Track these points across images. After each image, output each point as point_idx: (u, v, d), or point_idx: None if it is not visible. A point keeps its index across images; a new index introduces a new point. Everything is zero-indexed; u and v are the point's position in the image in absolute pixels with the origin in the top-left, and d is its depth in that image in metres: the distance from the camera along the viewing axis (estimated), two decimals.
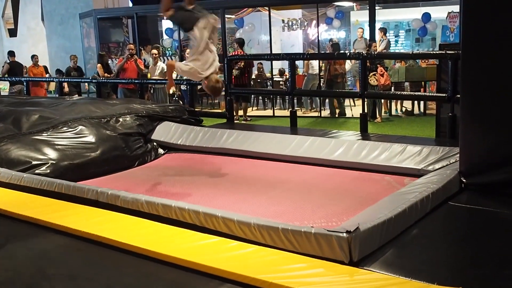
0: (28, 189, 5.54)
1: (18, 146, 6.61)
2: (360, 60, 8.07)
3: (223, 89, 6.08)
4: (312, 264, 3.51)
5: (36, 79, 15.94)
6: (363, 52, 10.34)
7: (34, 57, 15.37)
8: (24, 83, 13.23)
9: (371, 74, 11.70)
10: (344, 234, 3.48)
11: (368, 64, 11.42)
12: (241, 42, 12.99)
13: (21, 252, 4.07)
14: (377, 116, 12.07)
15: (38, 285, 3.44)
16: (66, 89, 14.37)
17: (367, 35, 14.38)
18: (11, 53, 16.28)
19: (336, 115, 12.95)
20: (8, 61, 16.07)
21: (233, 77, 11.22)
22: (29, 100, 10.02)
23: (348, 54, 10.46)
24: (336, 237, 3.51)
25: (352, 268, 3.44)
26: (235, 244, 3.88)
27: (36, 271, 3.61)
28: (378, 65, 11.91)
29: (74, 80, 15.91)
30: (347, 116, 12.82)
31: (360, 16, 17.07)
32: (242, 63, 11.95)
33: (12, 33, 26.28)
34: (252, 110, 14.18)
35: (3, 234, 4.53)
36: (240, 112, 12.56)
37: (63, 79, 14.12)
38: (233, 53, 13.15)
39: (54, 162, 6.43)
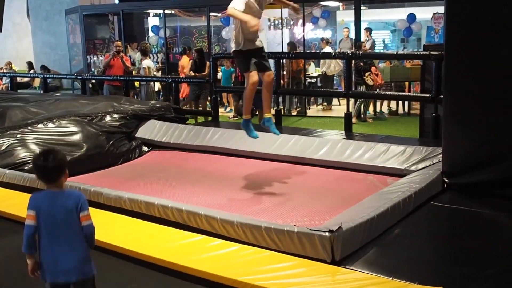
0: (10, 186, 5.52)
1: (4, 142, 6.61)
2: (345, 60, 8.08)
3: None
4: (295, 264, 3.52)
5: (18, 75, 15.88)
6: (348, 51, 10.36)
7: None
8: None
9: (366, 74, 11.72)
10: (327, 234, 3.50)
11: (361, 64, 11.47)
12: None
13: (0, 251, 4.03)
14: (362, 115, 12.09)
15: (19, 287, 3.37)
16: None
17: (352, 35, 14.42)
18: None
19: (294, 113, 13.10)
20: None
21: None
22: (13, 95, 9.98)
23: (333, 53, 10.49)
24: (318, 236, 3.52)
25: (334, 267, 3.46)
26: (218, 242, 3.89)
27: (16, 271, 3.52)
28: (371, 65, 11.91)
29: (58, 76, 15.85)
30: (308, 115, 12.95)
31: (346, 16, 17.10)
32: None
33: None
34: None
35: None
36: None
37: (47, 75, 14.03)
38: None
39: None
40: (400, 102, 13.01)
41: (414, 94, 10.98)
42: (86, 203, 2.83)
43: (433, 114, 6.95)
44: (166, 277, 3.56)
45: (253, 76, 5.51)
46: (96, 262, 3.70)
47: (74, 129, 7.16)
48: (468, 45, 4.77)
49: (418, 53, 10.50)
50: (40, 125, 7.06)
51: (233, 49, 5.60)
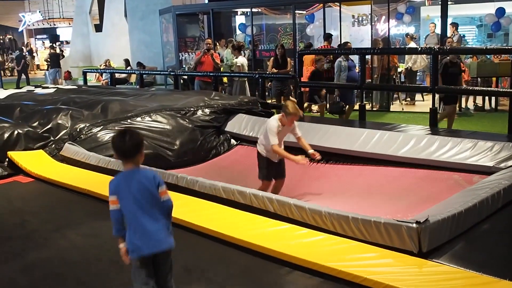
0: (114, 172, 5.90)
1: (106, 133, 7.11)
2: (431, 55, 8.00)
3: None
4: (381, 254, 3.58)
5: (117, 71, 16.84)
6: (435, 46, 10.21)
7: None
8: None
9: None
10: (414, 225, 3.54)
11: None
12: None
13: (106, 230, 4.34)
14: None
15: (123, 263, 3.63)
16: None
17: (438, 30, 14.14)
18: (52, 46, 19.17)
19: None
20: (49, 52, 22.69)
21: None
22: (113, 90, 10.60)
23: (419, 48, 10.38)
24: (406, 227, 3.57)
25: (421, 260, 3.48)
26: (306, 231, 4.02)
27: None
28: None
29: (152, 72, 16.65)
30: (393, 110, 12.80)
31: (431, 11, 16.77)
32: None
33: (98, 28, 27.57)
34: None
35: (89, 213, 4.91)
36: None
37: (143, 71, 14.81)
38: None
39: None
40: (487, 97, 12.67)
41: (504, 90, 10.66)
42: (162, 180, 2.95)
43: None
44: (255, 258, 3.74)
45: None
46: (192, 243, 4.04)
47: (170, 123, 7.54)
48: None
49: (510, 47, 10.20)
50: (138, 119, 7.51)
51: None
